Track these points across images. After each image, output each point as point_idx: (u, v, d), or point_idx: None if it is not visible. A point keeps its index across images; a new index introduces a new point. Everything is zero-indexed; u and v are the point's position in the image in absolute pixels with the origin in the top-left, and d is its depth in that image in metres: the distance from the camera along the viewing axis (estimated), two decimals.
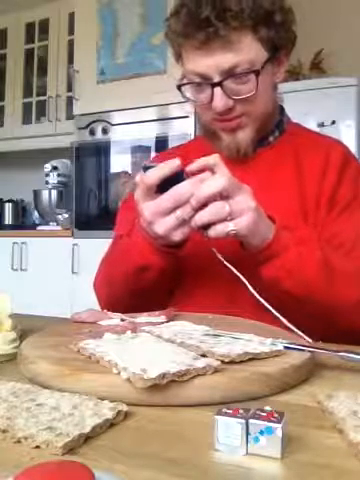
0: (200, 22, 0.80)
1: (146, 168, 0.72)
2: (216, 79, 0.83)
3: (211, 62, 0.82)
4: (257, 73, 0.82)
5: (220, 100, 0.83)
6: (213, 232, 0.71)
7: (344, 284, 0.79)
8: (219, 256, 0.75)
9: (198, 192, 0.70)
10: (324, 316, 0.78)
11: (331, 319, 0.78)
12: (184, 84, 0.88)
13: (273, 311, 0.71)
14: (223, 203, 0.70)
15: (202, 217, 0.70)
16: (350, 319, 0.79)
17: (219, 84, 0.82)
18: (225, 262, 0.75)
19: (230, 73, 0.82)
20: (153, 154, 2.84)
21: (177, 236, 0.73)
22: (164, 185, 0.71)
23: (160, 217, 0.72)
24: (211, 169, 0.71)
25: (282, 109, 0.98)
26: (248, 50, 0.82)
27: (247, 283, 0.74)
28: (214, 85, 0.83)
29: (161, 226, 0.73)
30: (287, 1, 0.87)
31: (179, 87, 0.88)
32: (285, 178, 0.92)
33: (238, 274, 0.74)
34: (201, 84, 0.85)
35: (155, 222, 0.73)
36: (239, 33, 0.81)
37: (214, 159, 0.71)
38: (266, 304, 0.72)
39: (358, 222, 0.88)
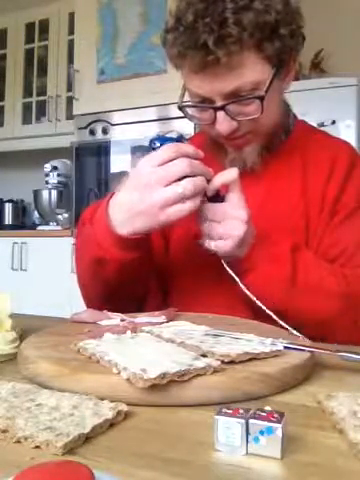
0: (198, 47, 0.73)
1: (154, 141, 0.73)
2: (218, 103, 0.78)
3: (212, 87, 0.77)
4: (262, 98, 0.77)
5: (223, 123, 0.79)
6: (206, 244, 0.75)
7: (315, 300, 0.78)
8: (225, 266, 0.76)
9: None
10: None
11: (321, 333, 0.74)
12: (185, 106, 0.84)
13: (268, 311, 0.72)
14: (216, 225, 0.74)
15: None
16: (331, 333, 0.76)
17: (222, 108, 0.78)
18: (224, 264, 0.76)
19: (233, 96, 0.78)
20: None
21: (164, 215, 0.70)
22: None
23: (161, 185, 0.69)
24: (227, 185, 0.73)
25: (287, 106, 0.94)
26: (252, 71, 0.76)
27: (240, 283, 0.74)
28: (216, 109, 0.79)
29: (159, 195, 0.69)
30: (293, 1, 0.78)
31: (180, 107, 0.84)
32: (290, 186, 0.90)
33: (233, 274, 0.74)
34: (203, 106, 0.81)
35: (154, 189, 0.69)
36: (240, 57, 0.74)
37: (232, 175, 0.73)
38: (259, 303, 0.73)
39: (359, 231, 0.86)
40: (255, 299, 0.74)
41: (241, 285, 0.75)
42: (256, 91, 0.78)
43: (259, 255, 0.77)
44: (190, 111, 0.85)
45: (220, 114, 0.79)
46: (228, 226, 0.73)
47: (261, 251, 0.77)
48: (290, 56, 0.81)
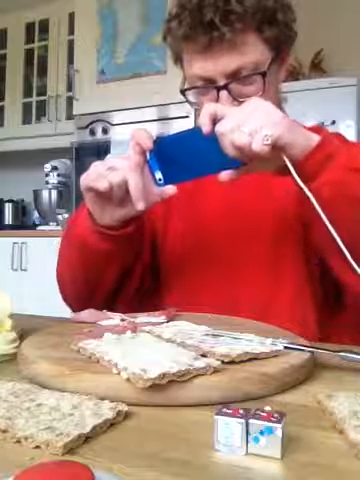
0: (204, 26, 0.77)
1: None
2: (221, 82, 0.80)
3: (216, 66, 0.79)
4: (264, 74, 0.80)
5: (226, 104, 0.79)
6: (256, 146, 0.63)
7: None
8: (288, 162, 0.67)
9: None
10: None
11: None
12: (188, 89, 0.85)
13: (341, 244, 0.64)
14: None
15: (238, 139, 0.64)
16: None
17: (225, 87, 0.80)
18: (293, 171, 0.68)
19: (235, 76, 0.80)
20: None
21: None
22: None
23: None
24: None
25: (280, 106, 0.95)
26: (253, 51, 0.80)
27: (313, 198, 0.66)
28: (219, 88, 0.80)
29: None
30: None
31: (182, 92, 0.85)
32: (284, 179, 0.90)
33: (304, 187, 0.67)
34: (206, 87, 0.83)
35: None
36: (244, 35, 0.79)
37: (212, 106, 0.69)
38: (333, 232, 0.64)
39: None
40: (326, 221, 0.64)
41: (313, 201, 0.66)
42: (257, 71, 0.80)
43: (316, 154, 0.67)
44: (192, 97, 0.86)
45: (223, 94, 0.80)
46: (254, 118, 0.66)
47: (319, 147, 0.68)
48: (285, 46, 0.85)
